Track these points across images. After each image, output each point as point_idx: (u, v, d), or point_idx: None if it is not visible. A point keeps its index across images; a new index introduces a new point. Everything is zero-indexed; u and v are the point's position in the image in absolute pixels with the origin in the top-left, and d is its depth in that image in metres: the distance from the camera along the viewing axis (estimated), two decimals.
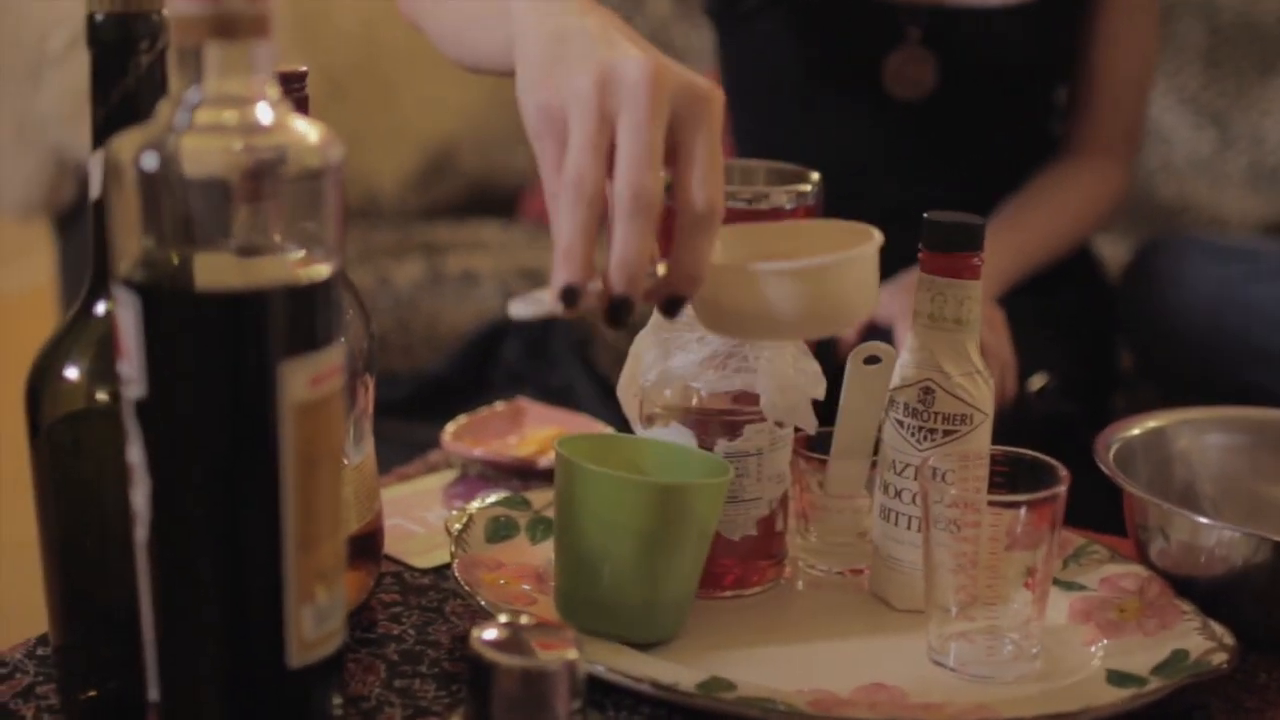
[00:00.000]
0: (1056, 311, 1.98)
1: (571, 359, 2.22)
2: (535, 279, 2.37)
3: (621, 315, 0.94)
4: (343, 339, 0.85)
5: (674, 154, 0.95)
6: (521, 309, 0.95)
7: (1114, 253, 2.25)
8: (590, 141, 0.94)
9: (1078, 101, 1.99)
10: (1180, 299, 1.90)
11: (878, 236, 1.01)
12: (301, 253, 0.82)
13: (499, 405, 1.52)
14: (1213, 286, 1.90)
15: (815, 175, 1.31)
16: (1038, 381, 1.82)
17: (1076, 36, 1.94)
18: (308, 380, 0.81)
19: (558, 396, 2.10)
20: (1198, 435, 1.30)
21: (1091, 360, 2.02)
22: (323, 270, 0.82)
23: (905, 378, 1.13)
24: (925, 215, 1.12)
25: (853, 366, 1.14)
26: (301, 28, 2.70)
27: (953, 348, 1.12)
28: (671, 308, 0.97)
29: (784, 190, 1.29)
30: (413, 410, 2.21)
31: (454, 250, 2.50)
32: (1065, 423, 1.81)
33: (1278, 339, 1.88)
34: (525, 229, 2.69)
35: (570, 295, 0.93)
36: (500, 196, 2.85)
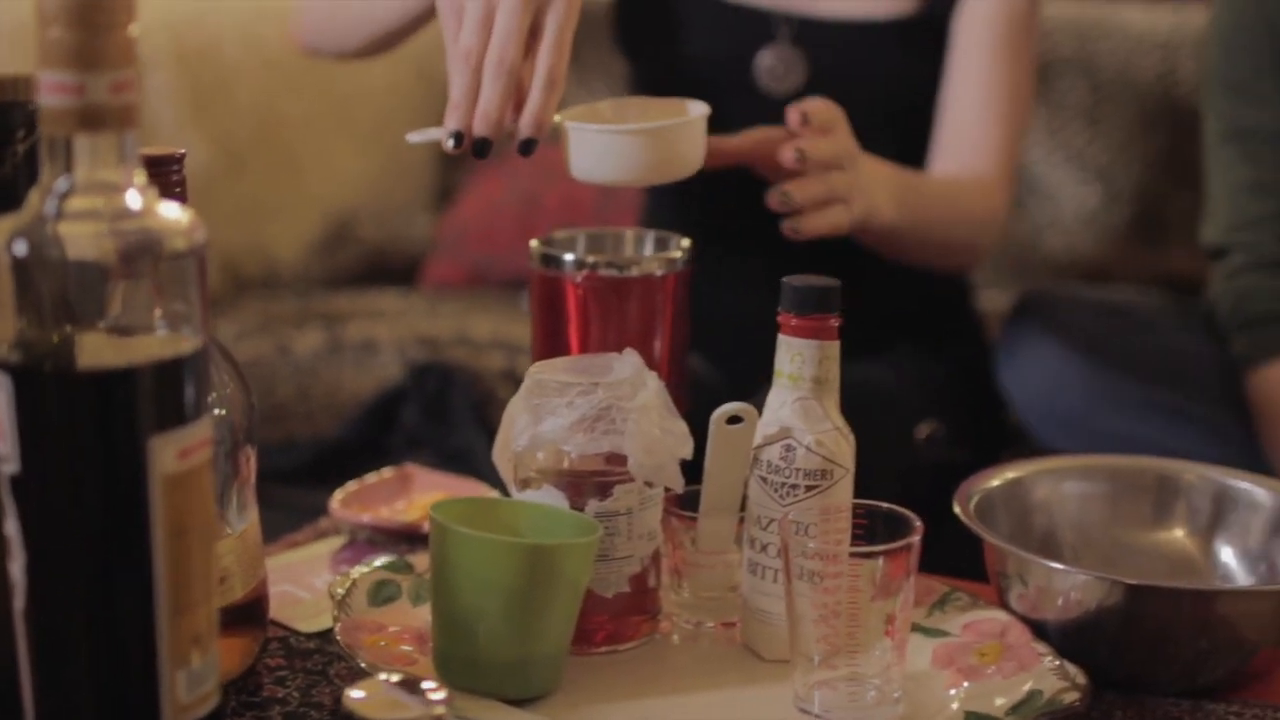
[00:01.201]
0: (944, 362, 2.03)
1: (470, 421, 2.26)
2: (435, 347, 2.41)
3: (483, 151, 1.33)
4: (214, 411, 0.89)
5: (534, 33, 1.33)
6: (418, 137, 1.38)
7: (1000, 306, 2.30)
8: (478, 22, 1.33)
9: (943, 124, 1.99)
10: (1057, 351, 1.95)
11: (702, 109, 1.40)
12: (168, 331, 0.86)
13: (387, 472, 1.55)
14: (1088, 338, 1.95)
15: (685, 241, 1.36)
16: (925, 429, 1.87)
17: (942, 60, 1.98)
18: (176, 453, 0.85)
19: (457, 459, 2.13)
20: (1056, 484, 1.35)
21: (981, 410, 2.07)
22: (189, 347, 0.86)
23: (767, 436, 1.18)
24: (783, 280, 1.17)
25: (716, 427, 1.19)
26: (201, 101, 2.73)
27: (812, 406, 1.17)
28: (525, 149, 1.34)
29: (656, 256, 1.35)
30: (313, 477, 2.24)
31: (354, 319, 2.53)
32: (954, 470, 1.85)
33: (1151, 389, 1.94)
34: (424, 296, 2.73)
35: (458, 138, 1.33)
36: (400, 265, 2.89)
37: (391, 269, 2.89)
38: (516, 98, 1.35)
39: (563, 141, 1.37)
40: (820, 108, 1.51)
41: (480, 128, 1.32)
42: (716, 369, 1.89)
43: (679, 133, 1.38)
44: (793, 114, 1.49)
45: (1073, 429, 1.93)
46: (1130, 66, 2.74)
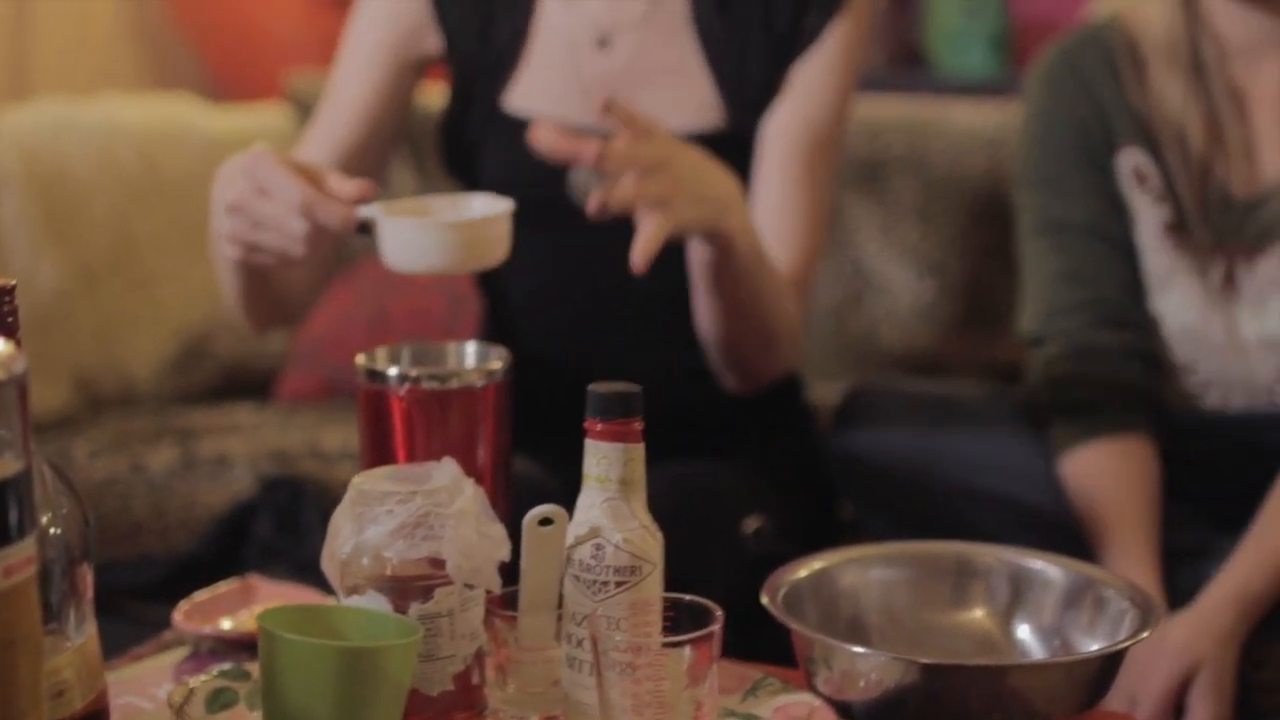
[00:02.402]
0: (774, 456, 2.10)
1: (321, 532, 2.29)
2: (286, 460, 2.46)
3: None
4: (50, 531, 0.94)
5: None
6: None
7: (834, 399, 2.36)
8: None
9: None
10: (884, 442, 2.03)
11: (507, 204, 1.54)
12: None
13: (231, 583, 1.61)
14: (913, 429, 2.03)
15: (503, 351, 1.43)
16: (753, 523, 1.93)
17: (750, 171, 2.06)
18: (1, 571, 0.90)
19: (309, 569, 2.17)
20: (862, 572, 1.43)
21: (810, 503, 2.14)
22: (11, 471, 0.92)
23: (578, 536, 1.24)
24: (588, 387, 1.24)
25: (529, 529, 1.25)
26: (54, 221, 2.77)
27: (620, 506, 1.24)
28: (362, 230, 1.53)
29: (476, 369, 1.42)
30: (168, 591, 2.27)
31: (208, 434, 2.58)
32: (783, 563, 1.92)
33: (973, 477, 2.02)
34: (279, 410, 2.78)
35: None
36: (254, 379, 2.94)
37: (246, 384, 2.94)
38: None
39: (376, 233, 1.50)
40: (633, 111, 1.64)
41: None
42: (551, 473, 1.95)
43: (483, 225, 1.51)
44: (597, 102, 1.63)
45: (901, 518, 2.00)
46: (959, 164, 2.83)
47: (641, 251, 1.61)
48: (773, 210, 1.99)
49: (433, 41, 2.05)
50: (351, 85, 2.04)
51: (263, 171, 1.58)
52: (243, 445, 2.51)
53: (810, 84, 2.02)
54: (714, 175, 1.74)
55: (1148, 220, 2.08)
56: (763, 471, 2.05)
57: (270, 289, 1.86)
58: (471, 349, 1.47)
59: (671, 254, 2.02)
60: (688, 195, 1.66)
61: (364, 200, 1.54)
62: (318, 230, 1.56)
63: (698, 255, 1.81)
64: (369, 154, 2.02)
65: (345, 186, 1.56)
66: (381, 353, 1.45)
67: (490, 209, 1.55)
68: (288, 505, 2.34)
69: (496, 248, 1.52)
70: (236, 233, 1.62)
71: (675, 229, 1.64)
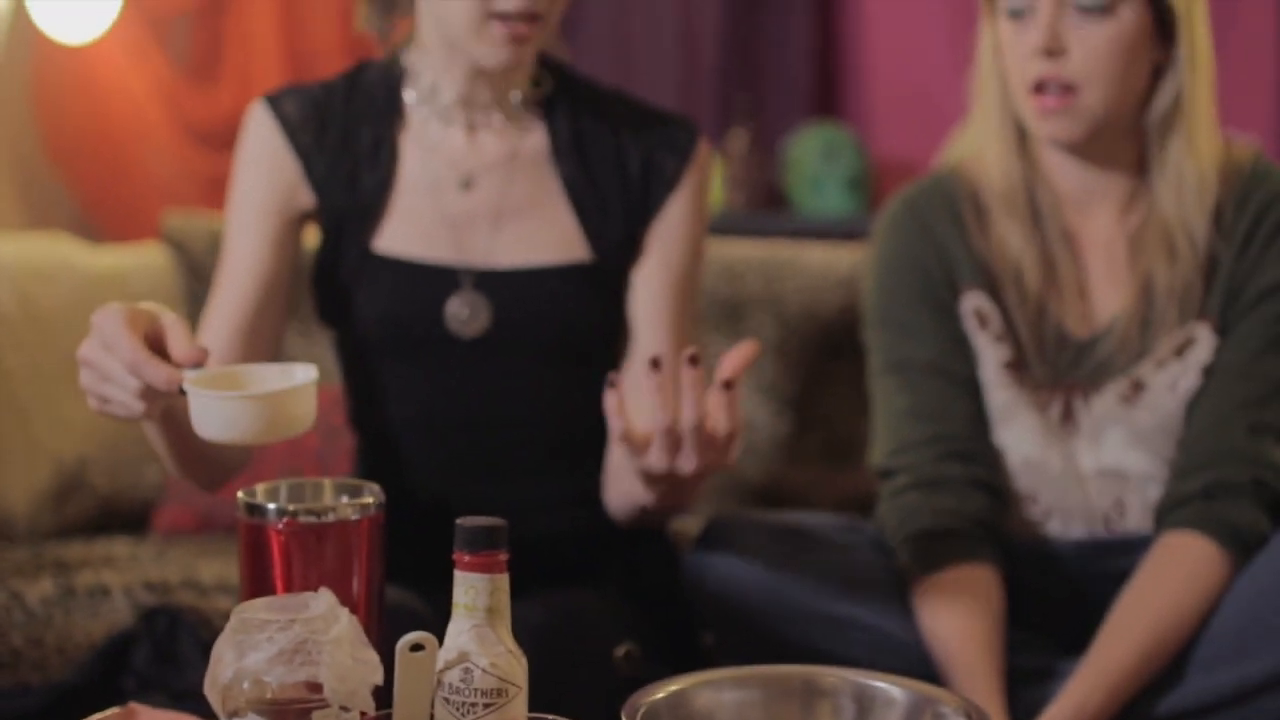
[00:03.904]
0: (642, 585, 2.18)
1: (198, 661, 2.35)
2: (164, 591, 2.50)
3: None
4: None
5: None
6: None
7: (694, 530, 2.44)
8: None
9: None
10: (740, 571, 2.09)
11: (310, 374, 1.61)
12: None
13: (111, 712, 1.66)
14: (768, 558, 2.09)
15: (376, 487, 1.52)
16: (623, 649, 2.00)
17: (617, 302, 2.18)
18: None
19: (187, 698, 2.22)
20: (716, 694, 1.51)
21: (676, 630, 2.21)
22: None
23: (448, 660, 1.33)
24: (456, 522, 1.33)
25: (401, 654, 1.33)
26: None
27: (487, 633, 1.32)
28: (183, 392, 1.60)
29: (350, 504, 1.50)
30: None
31: (86, 566, 2.62)
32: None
33: (829, 603, 2.10)
34: (155, 543, 2.83)
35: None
36: (131, 513, 2.98)
37: (123, 517, 2.98)
38: None
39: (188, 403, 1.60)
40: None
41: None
42: (426, 600, 2.02)
43: (284, 398, 1.59)
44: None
45: (758, 643, 2.07)
46: (815, 303, 2.95)
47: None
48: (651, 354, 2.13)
49: (306, 198, 2.15)
50: (241, 252, 2.14)
51: (108, 328, 1.68)
52: (120, 577, 2.55)
53: (670, 231, 2.16)
54: None
55: (989, 358, 2.19)
56: (631, 599, 2.14)
57: (189, 446, 1.92)
58: (346, 486, 1.55)
59: (544, 388, 2.13)
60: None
61: (195, 363, 1.64)
62: (148, 389, 1.65)
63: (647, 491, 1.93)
64: (267, 312, 2.13)
65: (177, 348, 1.66)
66: (260, 489, 1.53)
67: (293, 380, 1.62)
68: (166, 635, 2.39)
69: (300, 420, 1.60)
70: (87, 385, 1.73)
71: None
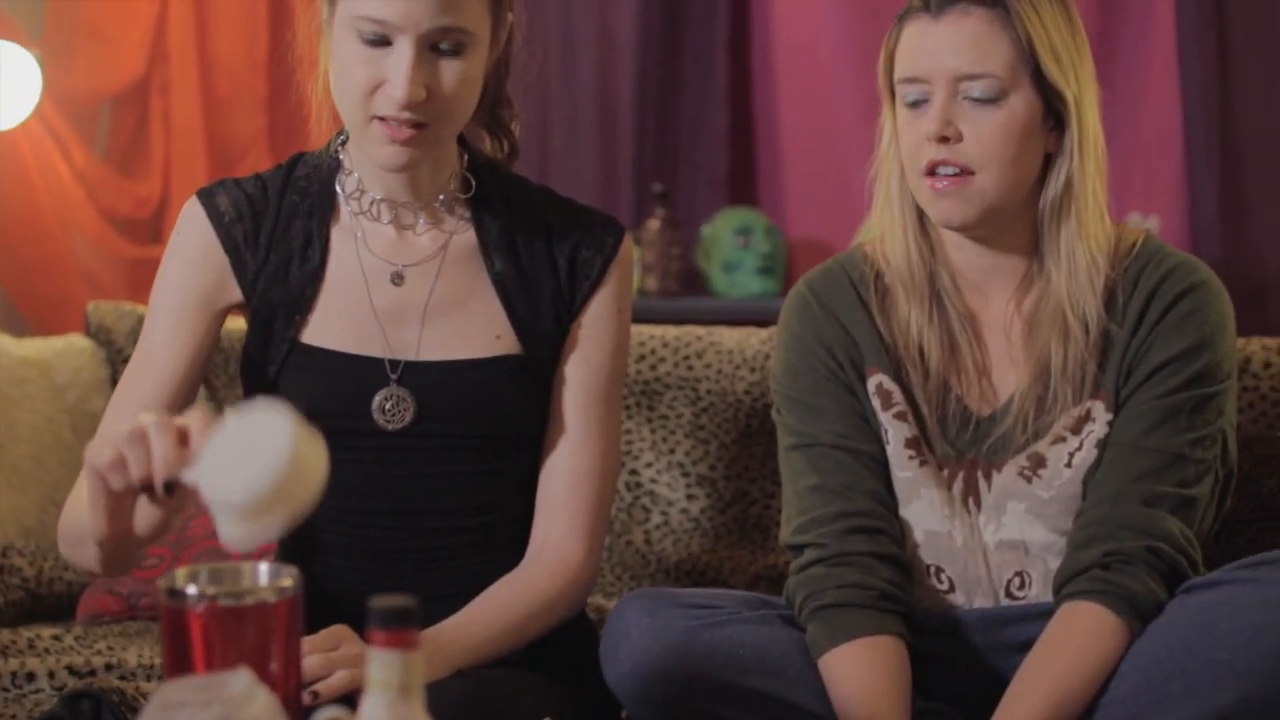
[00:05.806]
0: (561, 661, 2.23)
1: None
2: (89, 674, 2.52)
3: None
4: None
5: None
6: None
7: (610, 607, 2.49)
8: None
9: (547, 486, 2.27)
10: (651, 647, 2.11)
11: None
12: None
13: None
14: (678, 634, 2.13)
15: (294, 570, 1.57)
16: None
17: (541, 394, 2.25)
18: None
19: None
20: None
21: (594, 705, 2.26)
22: None
23: None
24: (369, 601, 1.38)
25: None
26: None
27: (400, 707, 1.37)
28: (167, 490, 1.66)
29: (268, 586, 1.55)
30: None
31: (11, 652, 2.64)
32: None
33: (741, 677, 2.14)
34: (80, 628, 2.85)
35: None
36: (55, 601, 3.00)
37: (48, 604, 3.00)
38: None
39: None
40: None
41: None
42: None
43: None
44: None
45: (672, 718, 2.12)
46: (728, 384, 3.01)
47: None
48: (569, 471, 2.23)
49: (233, 292, 2.20)
50: (160, 338, 2.19)
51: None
52: (43, 664, 2.58)
53: (594, 325, 2.25)
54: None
55: (893, 436, 2.25)
56: (550, 675, 2.19)
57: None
58: (264, 568, 1.60)
59: (466, 478, 2.19)
60: None
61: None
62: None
63: None
64: (179, 397, 2.18)
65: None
66: (181, 573, 1.58)
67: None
68: (90, 718, 2.42)
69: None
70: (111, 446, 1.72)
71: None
